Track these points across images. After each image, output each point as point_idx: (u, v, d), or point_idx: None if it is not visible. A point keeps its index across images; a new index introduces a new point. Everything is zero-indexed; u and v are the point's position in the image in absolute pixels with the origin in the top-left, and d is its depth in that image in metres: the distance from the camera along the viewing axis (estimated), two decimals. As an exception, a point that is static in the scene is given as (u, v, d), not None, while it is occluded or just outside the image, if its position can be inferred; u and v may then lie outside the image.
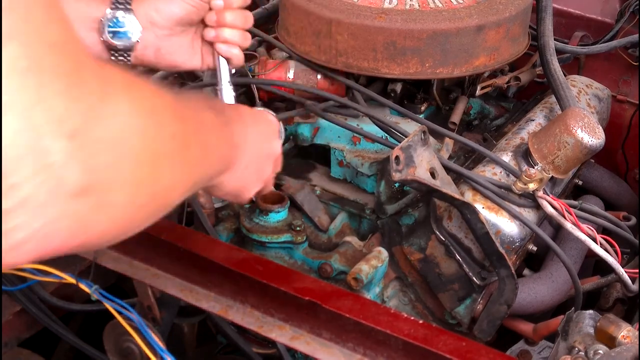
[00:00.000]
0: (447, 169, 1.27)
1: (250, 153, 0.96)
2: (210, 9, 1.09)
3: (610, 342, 0.95)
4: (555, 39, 1.54)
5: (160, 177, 0.66)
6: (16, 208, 0.50)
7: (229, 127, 0.90)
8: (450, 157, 1.41)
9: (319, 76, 1.47)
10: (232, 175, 0.92)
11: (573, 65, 1.86)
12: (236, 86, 1.55)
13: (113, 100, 0.58)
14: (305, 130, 1.49)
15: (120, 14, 1.03)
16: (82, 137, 0.54)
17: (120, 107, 0.59)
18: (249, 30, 1.08)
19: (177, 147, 0.69)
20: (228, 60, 1.10)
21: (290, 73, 1.48)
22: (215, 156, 0.85)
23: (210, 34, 1.09)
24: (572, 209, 1.26)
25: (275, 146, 1.06)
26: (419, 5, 1.42)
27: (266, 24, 1.70)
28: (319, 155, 1.53)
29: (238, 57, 1.11)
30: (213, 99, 1.10)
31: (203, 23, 1.10)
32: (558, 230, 1.47)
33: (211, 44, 1.11)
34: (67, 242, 0.56)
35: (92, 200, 0.56)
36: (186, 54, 1.12)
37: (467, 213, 1.19)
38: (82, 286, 1.15)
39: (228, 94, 1.10)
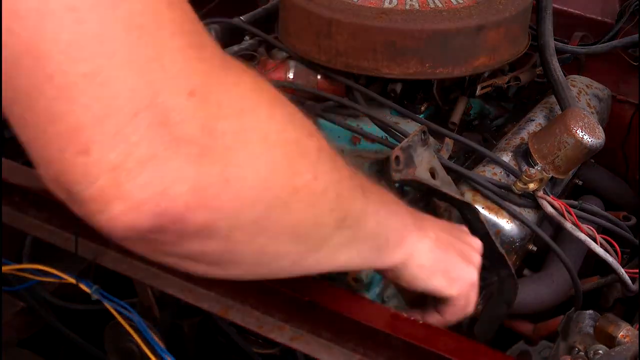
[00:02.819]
0: (447, 169, 1.27)
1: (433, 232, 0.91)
2: None
3: (610, 341, 0.95)
4: (555, 39, 1.54)
5: (300, 176, 0.66)
6: (135, 166, 0.50)
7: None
8: (450, 157, 1.40)
9: (319, 76, 1.47)
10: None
11: (573, 65, 1.86)
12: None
13: (234, 71, 0.58)
14: (305, 130, 1.49)
15: None
16: (202, 96, 0.53)
17: (243, 79, 0.59)
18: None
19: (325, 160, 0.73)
20: None
21: (290, 73, 1.48)
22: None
23: None
24: (572, 209, 1.26)
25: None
26: (419, 5, 1.42)
27: (266, 24, 1.69)
28: (319, 155, 1.53)
29: None
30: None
31: None
32: (558, 230, 1.47)
33: None
34: (189, 212, 0.53)
35: (215, 169, 0.54)
36: None
37: (467, 213, 1.19)
38: (82, 286, 1.15)
39: None
